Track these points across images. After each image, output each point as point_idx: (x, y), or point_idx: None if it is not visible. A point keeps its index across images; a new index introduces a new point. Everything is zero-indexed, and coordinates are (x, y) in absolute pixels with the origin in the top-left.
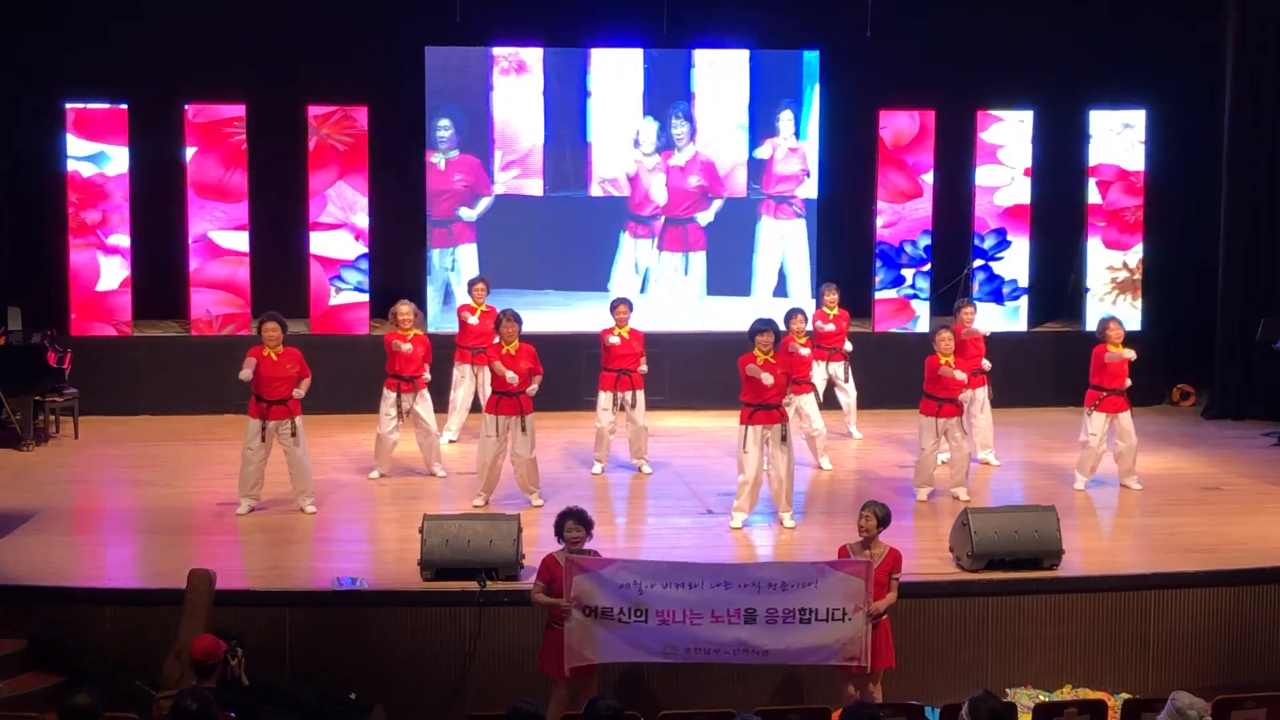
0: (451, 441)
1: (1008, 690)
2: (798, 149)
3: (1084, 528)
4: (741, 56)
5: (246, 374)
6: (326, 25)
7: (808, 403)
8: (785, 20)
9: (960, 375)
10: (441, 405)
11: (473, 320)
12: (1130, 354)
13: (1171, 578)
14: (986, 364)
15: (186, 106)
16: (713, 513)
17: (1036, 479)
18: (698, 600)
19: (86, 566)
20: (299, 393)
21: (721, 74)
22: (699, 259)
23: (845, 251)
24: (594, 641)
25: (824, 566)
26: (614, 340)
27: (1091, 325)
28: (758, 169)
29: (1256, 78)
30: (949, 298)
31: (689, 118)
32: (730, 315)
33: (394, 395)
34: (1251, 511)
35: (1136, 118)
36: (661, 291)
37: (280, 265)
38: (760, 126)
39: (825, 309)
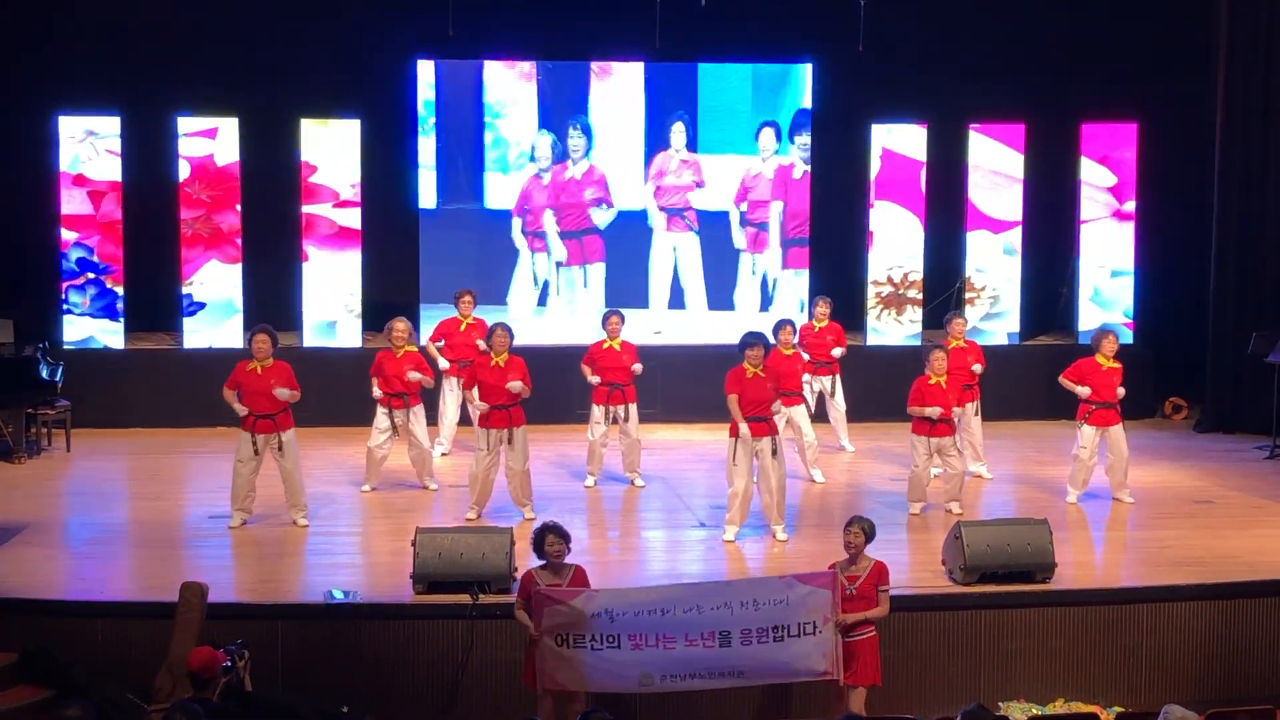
0: (444, 454)
1: (1000, 704)
2: (690, 161)
3: (1076, 541)
4: (636, 70)
5: (236, 408)
6: (316, 38)
7: (798, 414)
8: (777, 35)
9: (932, 413)
10: (432, 418)
11: (463, 331)
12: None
13: (1163, 591)
14: (978, 367)
15: (178, 119)
16: (705, 526)
17: (1029, 492)
18: (671, 625)
19: (78, 579)
20: (280, 395)
21: (618, 86)
22: (598, 271)
23: (838, 266)
24: (569, 669)
25: (791, 580)
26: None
27: (1084, 339)
28: (653, 182)
29: (1248, 91)
30: (940, 311)
31: (586, 130)
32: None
33: (386, 410)
34: (1243, 525)
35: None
36: (560, 305)
37: (274, 278)
38: (655, 139)
39: (815, 321)
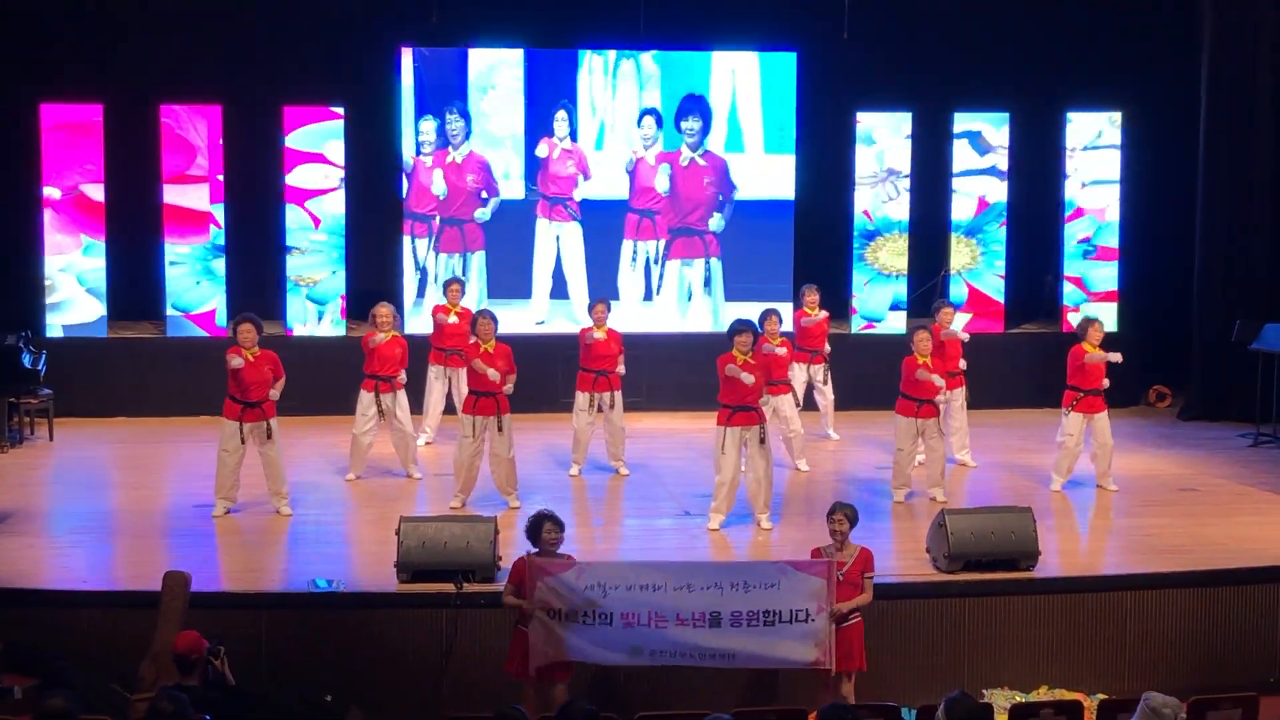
0: (428, 443)
1: (984, 691)
2: (573, 151)
3: (1061, 529)
4: (516, 55)
5: (237, 361)
6: (302, 27)
7: (786, 404)
8: (762, 23)
9: (938, 381)
10: (417, 407)
11: (452, 320)
12: (1116, 357)
13: (1147, 579)
14: (962, 363)
15: (161, 108)
16: (690, 514)
17: (1013, 480)
18: (661, 603)
19: (62, 569)
20: (274, 394)
21: (503, 72)
22: (478, 259)
23: (824, 253)
24: (558, 641)
25: (785, 566)
26: (598, 336)
27: (1069, 326)
28: (534, 169)
29: (1233, 80)
30: (926, 300)
31: (465, 115)
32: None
33: (372, 396)
34: (1227, 512)
35: (1113, 120)
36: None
37: (255, 267)
38: (538, 127)
39: (806, 309)
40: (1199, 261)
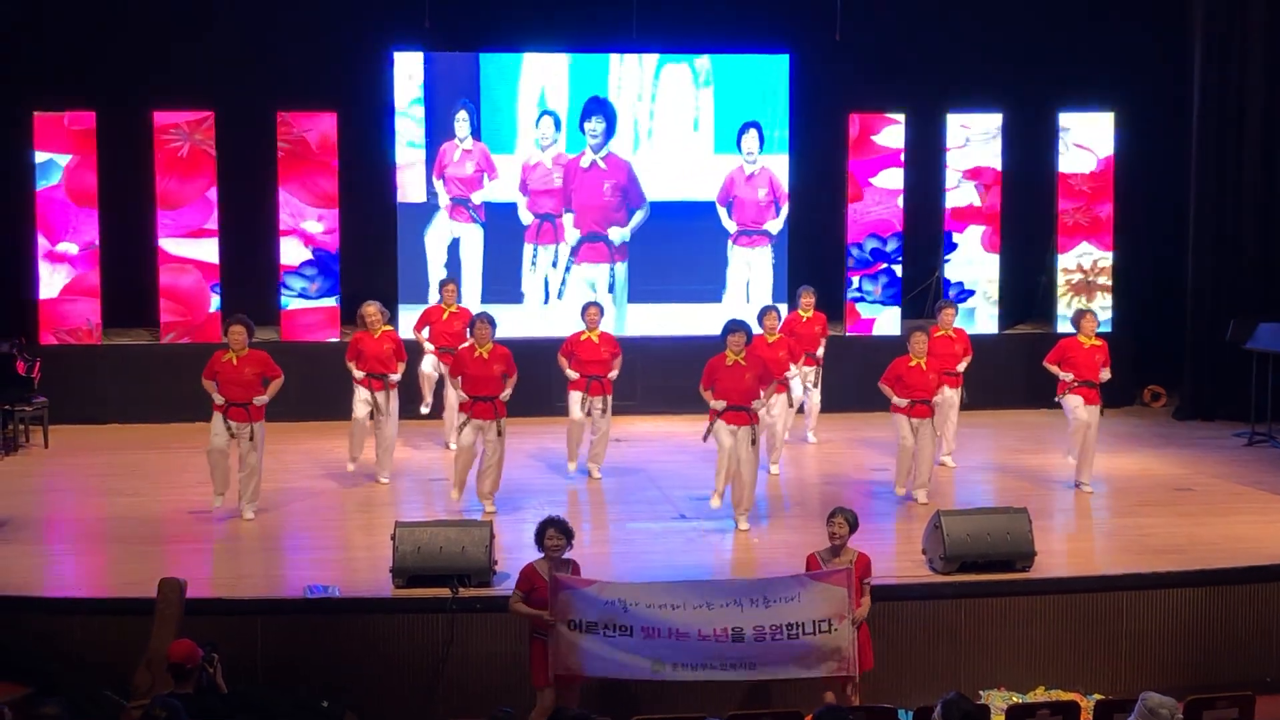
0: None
1: (980, 692)
2: (472, 151)
3: (1056, 529)
4: (415, 59)
5: (215, 397)
6: (294, 31)
7: (778, 402)
8: (754, 25)
9: (899, 402)
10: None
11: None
12: (1068, 377)
13: (1143, 579)
14: (961, 365)
15: (154, 114)
16: (685, 517)
17: (1008, 481)
18: (682, 621)
19: (56, 576)
20: (261, 400)
21: (406, 74)
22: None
23: (817, 255)
24: (581, 655)
25: (804, 578)
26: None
27: (1062, 327)
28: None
29: (1224, 79)
30: (919, 302)
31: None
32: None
33: (366, 391)
34: (1222, 512)
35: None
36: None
37: (248, 271)
38: (439, 128)
39: (801, 311)
40: (1192, 261)
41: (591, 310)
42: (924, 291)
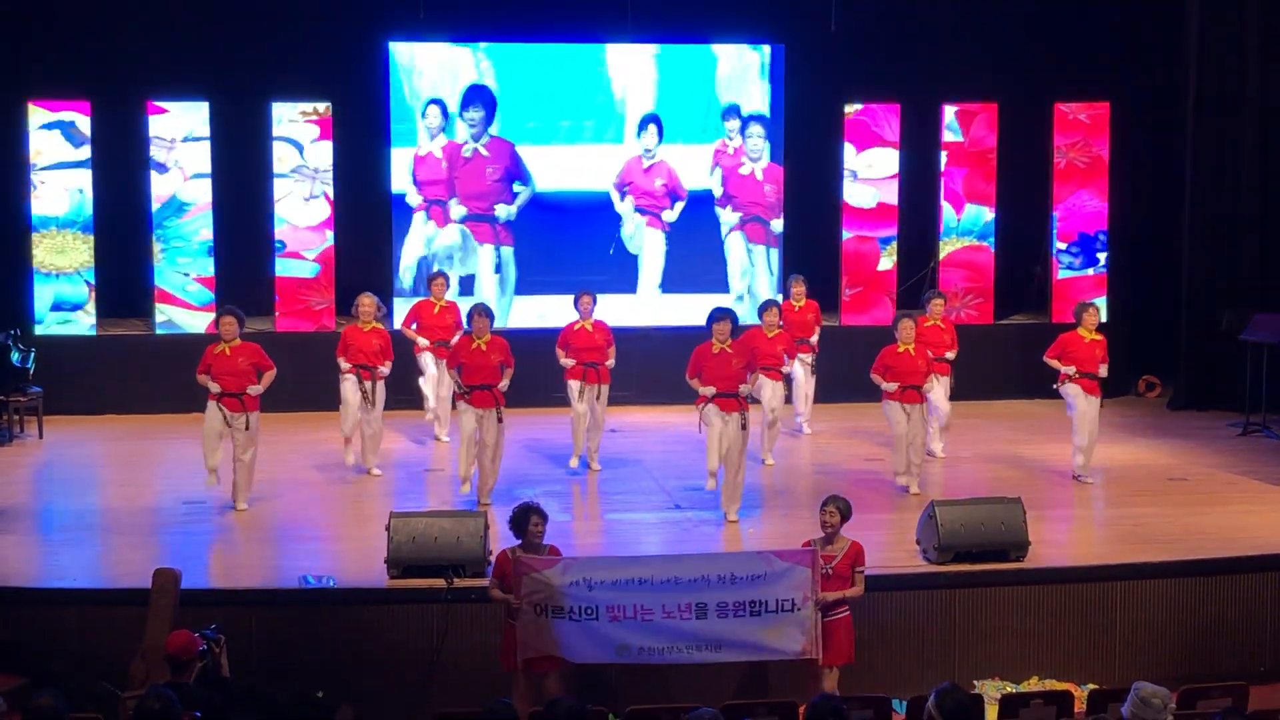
0: (446, 440)
1: (975, 682)
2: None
3: (1050, 519)
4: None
5: (211, 388)
6: (288, 22)
7: (770, 388)
8: (747, 15)
9: (888, 387)
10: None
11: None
12: (1069, 370)
13: (1137, 569)
14: (950, 354)
15: (149, 104)
16: (680, 508)
17: (1002, 471)
18: (647, 597)
19: (51, 566)
20: (256, 390)
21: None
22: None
23: (811, 247)
24: (548, 637)
25: (770, 556)
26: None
27: (1058, 316)
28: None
29: (1220, 69)
30: (914, 292)
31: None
32: None
33: (355, 379)
34: (1217, 502)
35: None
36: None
37: (246, 263)
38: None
39: (793, 301)
40: (1188, 252)
41: (584, 299)
42: (919, 282)
